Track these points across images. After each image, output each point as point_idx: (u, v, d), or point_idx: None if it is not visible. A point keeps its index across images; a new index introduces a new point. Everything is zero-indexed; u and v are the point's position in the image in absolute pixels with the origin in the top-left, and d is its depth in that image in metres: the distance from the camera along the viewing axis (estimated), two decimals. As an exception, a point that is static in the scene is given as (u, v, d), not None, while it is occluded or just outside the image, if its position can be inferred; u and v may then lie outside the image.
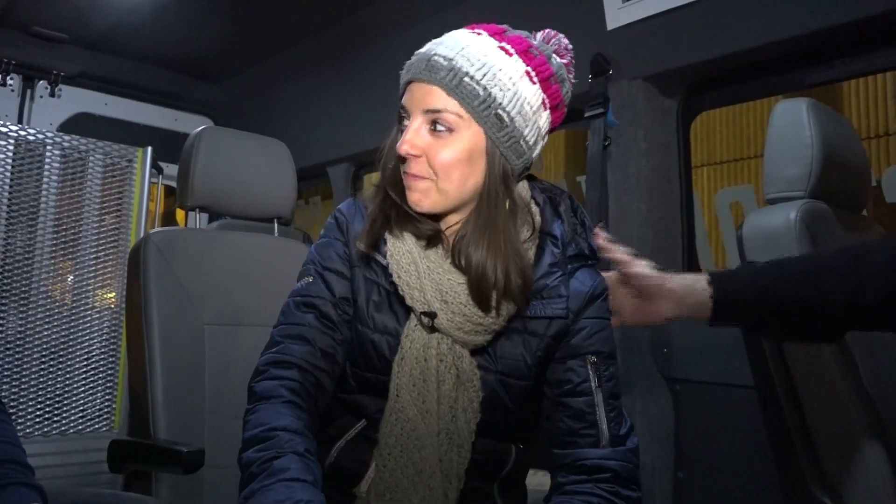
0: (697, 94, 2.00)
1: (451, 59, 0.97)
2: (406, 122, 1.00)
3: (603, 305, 1.06)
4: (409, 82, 1.00)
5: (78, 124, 3.00)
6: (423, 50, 1.01)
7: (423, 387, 0.99)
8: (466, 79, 0.96)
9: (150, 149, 2.58)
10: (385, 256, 1.04)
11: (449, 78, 0.96)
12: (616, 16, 1.96)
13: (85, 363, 2.40)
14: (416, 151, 0.98)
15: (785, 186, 1.32)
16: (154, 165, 2.61)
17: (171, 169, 2.80)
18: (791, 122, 1.33)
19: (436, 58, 0.98)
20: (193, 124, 2.90)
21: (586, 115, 2.00)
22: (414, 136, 0.98)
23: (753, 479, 1.61)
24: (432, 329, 1.00)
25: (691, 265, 2.00)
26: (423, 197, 1.00)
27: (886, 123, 3.41)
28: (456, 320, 0.98)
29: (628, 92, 1.97)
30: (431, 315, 0.99)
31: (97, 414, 2.41)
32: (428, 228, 1.03)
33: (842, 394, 1.17)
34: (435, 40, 1.02)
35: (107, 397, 2.43)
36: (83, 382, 2.39)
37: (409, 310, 1.02)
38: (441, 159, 0.97)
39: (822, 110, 1.35)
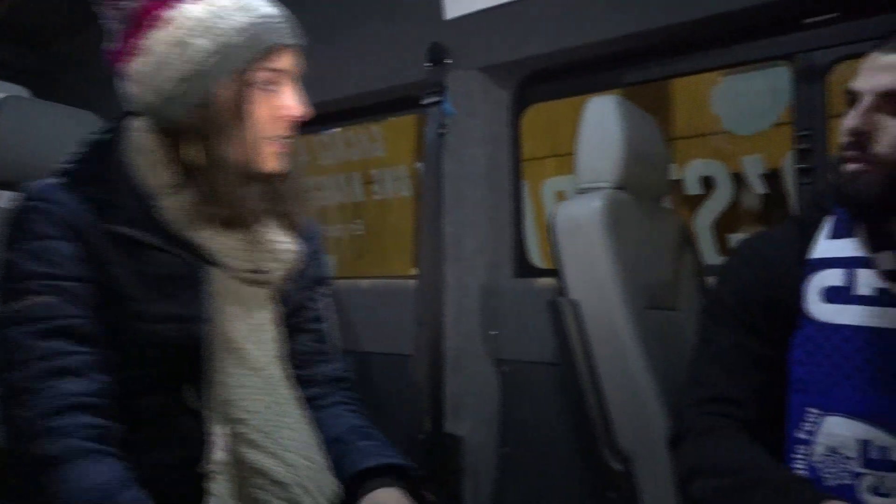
0: (529, 87, 2.09)
1: None
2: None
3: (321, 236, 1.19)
4: (282, 46, 0.98)
5: None
6: (274, 10, 0.99)
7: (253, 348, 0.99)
8: None
9: (-50, 117, 2.31)
10: (153, 234, 0.95)
11: None
12: (453, 6, 2.00)
13: None
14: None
15: (593, 177, 1.42)
16: (-44, 136, 2.34)
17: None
18: (600, 118, 1.43)
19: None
20: (7, 93, 2.63)
21: (423, 102, 2.03)
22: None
23: (570, 452, 1.72)
24: (261, 284, 1.02)
25: (520, 249, 2.09)
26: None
27: (703, 124, 3.74)
28: (284, 269, 1.04)
29: (464, 82, 2.01)
30: (263, 270, 1.01)
31: None
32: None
33: (634, 368, 1.28)
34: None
35: None
36: None
37: (190, 286, 0.96)
38: None
39: (628, 108, 1.46)
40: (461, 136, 2.02)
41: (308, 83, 2.37)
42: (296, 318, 1.10)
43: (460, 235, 2.01)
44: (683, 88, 3.91)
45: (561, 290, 1.36)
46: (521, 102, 2.10)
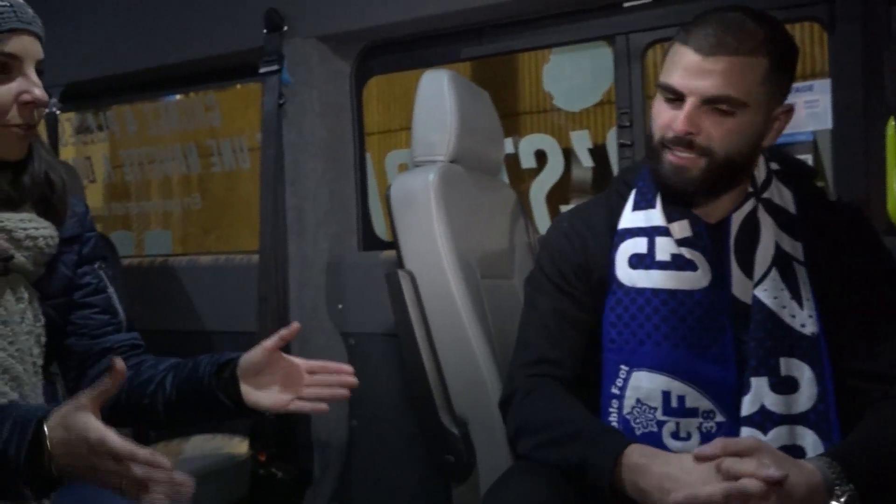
0: (370, 58, 2.07)
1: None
2: None
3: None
4: (11, 30, 0.96)
5: None
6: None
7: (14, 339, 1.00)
8: None
9: None
10: None
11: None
12: (291, -29, 1.94)
13: None
14: None
15: (428, 151, 1.44)
16: None
17: None
18: (434, 92, 1.44)
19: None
20: None
21: (261, 71, 1.96)
22: None
23: (413, 421, 1.76)
24: (6, 272, 1.00)
25: (365, 221, 2.10)
26: None
27: (546, 101, 3.90)
28: (33, 254, 1.01)
29: (303, 51, 1.97)
30: (6, 258, 0.98)
31: None
32: None
33: (469, 336, 1.33)
34: None
35: None
36: None
37: None
38: None
39: (461, 83, 1.49)
40: (301, 106, 1.98)
41: (141, 46, 2.22)
42: (75, 295, 1.13)
43: (302, 209, 1.97)
44: (524, 66, 4.05)
45: (399, 262, 1.38)
46: (362, 73, 2.08)
